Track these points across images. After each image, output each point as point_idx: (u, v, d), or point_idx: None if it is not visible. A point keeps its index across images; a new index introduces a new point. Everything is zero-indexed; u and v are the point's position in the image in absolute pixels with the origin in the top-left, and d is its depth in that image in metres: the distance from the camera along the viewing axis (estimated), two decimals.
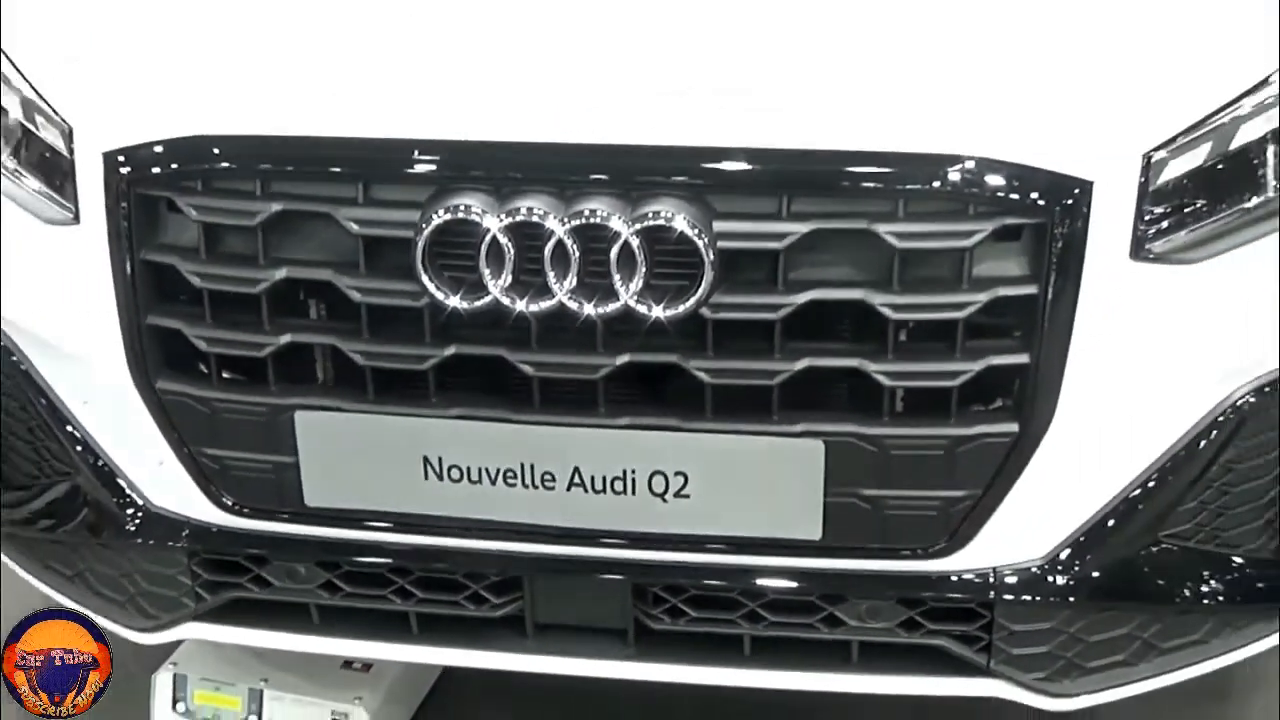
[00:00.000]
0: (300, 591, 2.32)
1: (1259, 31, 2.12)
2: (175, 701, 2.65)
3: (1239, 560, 2.24)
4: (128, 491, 2.33)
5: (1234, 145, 2.06)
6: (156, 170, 2.12)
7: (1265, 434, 2.16)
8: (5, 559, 2.59)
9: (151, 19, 2.30)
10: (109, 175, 2.14)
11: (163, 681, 2.66)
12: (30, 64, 2.30)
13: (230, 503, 2.25)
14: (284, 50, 2.22)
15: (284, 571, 2.31)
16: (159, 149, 2.12)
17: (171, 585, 2.34)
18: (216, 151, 2.10)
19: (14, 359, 2.35)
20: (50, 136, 2.25)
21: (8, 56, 2.31)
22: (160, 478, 2.28)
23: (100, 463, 2.34)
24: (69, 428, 2.34)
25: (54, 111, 2.24)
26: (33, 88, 2.27)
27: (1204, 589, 2.23)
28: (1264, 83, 2.07)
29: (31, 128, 2.28)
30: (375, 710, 2.60)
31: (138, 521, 2.33)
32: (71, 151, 2.21)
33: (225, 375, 2.17)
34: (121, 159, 2.13)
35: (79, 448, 2.34)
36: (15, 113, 2.30)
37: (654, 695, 2.38)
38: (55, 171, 2.24)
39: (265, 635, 2.38)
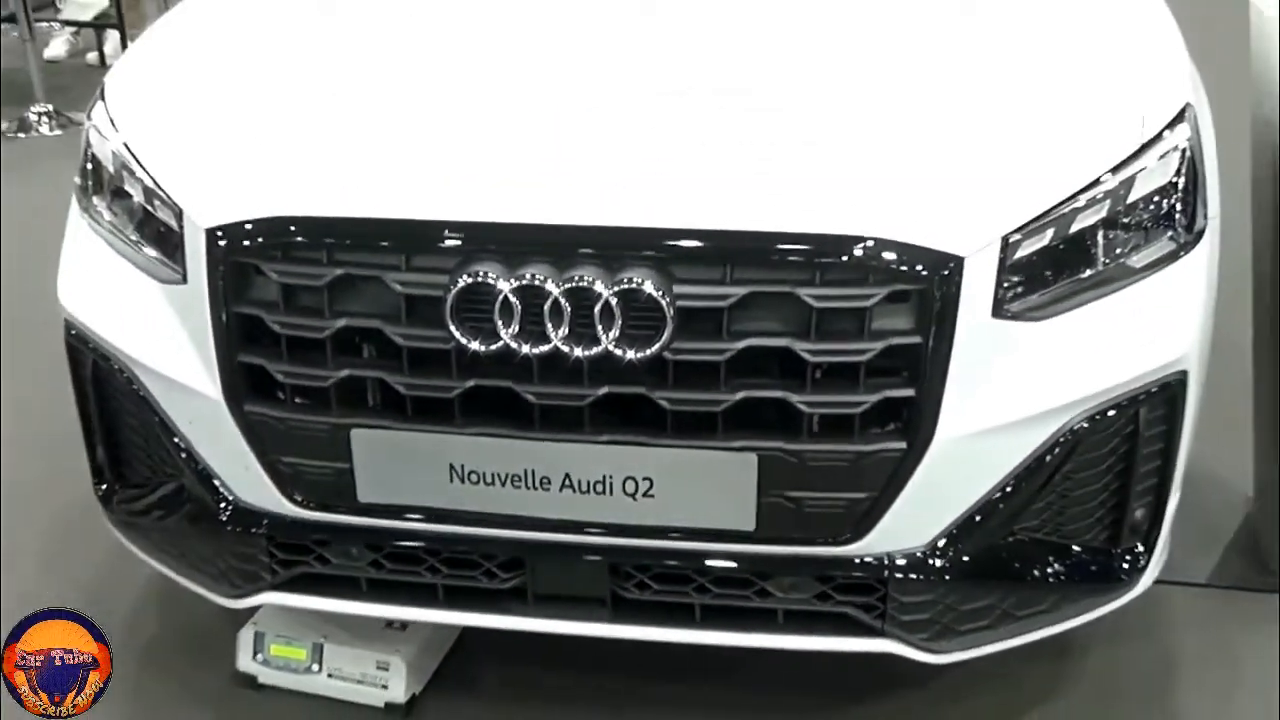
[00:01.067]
0: (353, 568, 2.32)
1: (1091, 141, 2.20)
2: (255, 653, 2.67)
3: (1076, 548, 2.27)
4: (221, 490, 2.33)
5: (1072, 230, 2.13)
6: (247, 243, 2.16)
7: (1095, 452, 2.19)
8: (124, 541, 2.56)
9: (241, 126, 2.35)
10: (210, 246, 2.17)
11: (245, 637, 2.69)
12: (149, 159, 2.35)
13: (300, 499, 2.26)
14: (344, 151, 2.27)
15: (341, 552, 2.32)
16: (249, 226, 2.16)
17: (253, 562, 2.36)
18: (293, 229, 2.15)
19: (134, 387, 2.35)
20: (165, 216, 2.30)
21: (133, 154, 2.38)
22: (246, 479, 2.29)
23: (200, 467, 2.34)
24: (176, 440, 2.34)
25: (168, 196, 2.28)
26: (151, 178, 2.32)
27: (1049, 570, 2.25)
28: (1096, 182, 2.15)
29: (150, 209, 2.34)
30: (411, 660, 2.61)
31: (228, 513, 2.33)
32: (181, 228, 2.24)
33: (298, 400, 2.20)
34: (220, 234, 2.17)
35: (184, 455, 2.34)
36: (138, 197, 2.36)
37: (624, 651, 2.38)
38: (168, 243, 2.30)
39: (325, 602, 2.38)
